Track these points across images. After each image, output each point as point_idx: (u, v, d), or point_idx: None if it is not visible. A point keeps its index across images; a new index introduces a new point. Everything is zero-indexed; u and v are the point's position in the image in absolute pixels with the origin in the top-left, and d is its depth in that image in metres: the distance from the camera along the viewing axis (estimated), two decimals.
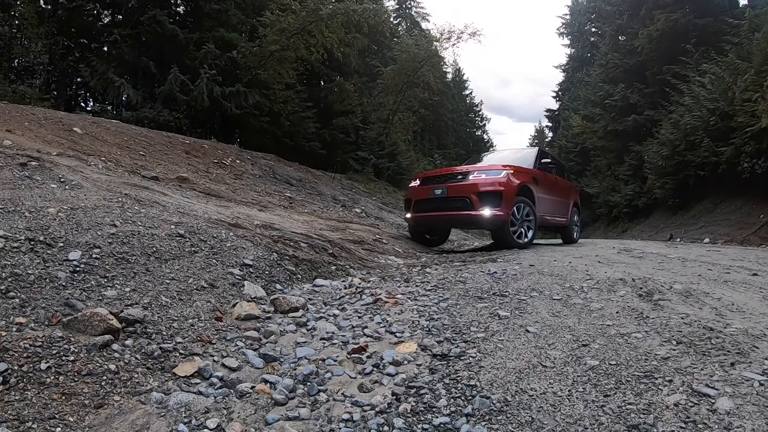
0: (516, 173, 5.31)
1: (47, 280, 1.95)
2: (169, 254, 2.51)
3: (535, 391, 1.58)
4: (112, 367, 1.60)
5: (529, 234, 5.37)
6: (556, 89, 34.06)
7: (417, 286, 3.04)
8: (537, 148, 6.87)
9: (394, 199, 12.44)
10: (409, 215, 5.85)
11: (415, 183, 5.97)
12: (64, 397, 1.42)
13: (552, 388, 1.59)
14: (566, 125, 25.54)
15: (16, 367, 1.45)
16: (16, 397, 1.36)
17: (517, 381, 1.65)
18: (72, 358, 1.56)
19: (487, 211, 4.92)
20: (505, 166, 5.40)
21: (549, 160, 6.50)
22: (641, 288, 2.73)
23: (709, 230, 10.54)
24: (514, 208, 5.13)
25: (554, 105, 34.33)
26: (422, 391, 1.64)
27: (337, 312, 2.46)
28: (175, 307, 2.09)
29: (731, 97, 10.35)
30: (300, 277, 2.99)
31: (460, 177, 5.42)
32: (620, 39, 18.86)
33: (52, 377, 1.47)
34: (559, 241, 7.47)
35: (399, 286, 3.05)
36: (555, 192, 6.42)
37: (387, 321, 2.33)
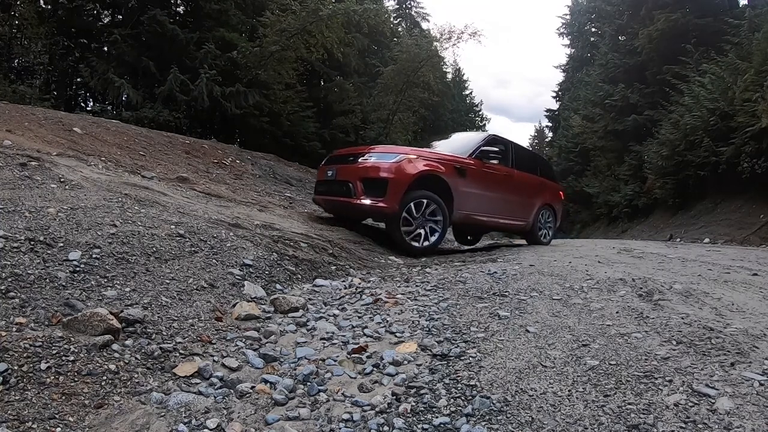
0: (420, 160, 4.45)
1: (47, 280, 1.95)
2: (169, 254, 2.51)
3: (535, 391, 1.58)
4: (112, 367, 1.60)
5: (433, 237, 4.55)
6: (556, 89, 34.06)
7: (417, 286, 3.04)
8: (487, 133, 5.69)
9: None
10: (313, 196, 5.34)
11: (324, 162, 5.33)
12: (64, 397, 1.42)
13: (552, 388, 1.59)
14: (566, 125, 25.54)
15: (16, 367, 1.45)
16: (16, 397, 1.36)
17: (517, 381, 1.65)
18: (72, 358, 1.56)
19: (367, 201, 4.25)
20: (411, 150, 4.67)
21: (496, 149, 5.24)
22: (641, 288, 2.73)
23: (709, 230, 10.54)
24: (413, 203, 4.35)
25: (554, 105, 34.33)
26: (422, 391, 1.64)
27: (337, 312, 2.46)
28: (175, 307, 2.09)
29: (731, 97, 10.34)
30: (300, 277, 2.99)
31: (351, 159, 4.67)
32: (620, 39, 18.87)
33: (52, 377, 1.47)
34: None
35: (399, 286, 3.05)
36: (502, 188, 5.39)
37: (387, 321, 2.33)
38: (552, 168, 7.66)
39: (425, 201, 4.44)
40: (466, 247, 6.87)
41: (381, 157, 4.45)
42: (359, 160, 4.53)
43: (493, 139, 5.56)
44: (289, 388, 1.65)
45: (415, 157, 4.49)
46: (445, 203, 4.60)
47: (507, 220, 5.62)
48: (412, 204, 4.37)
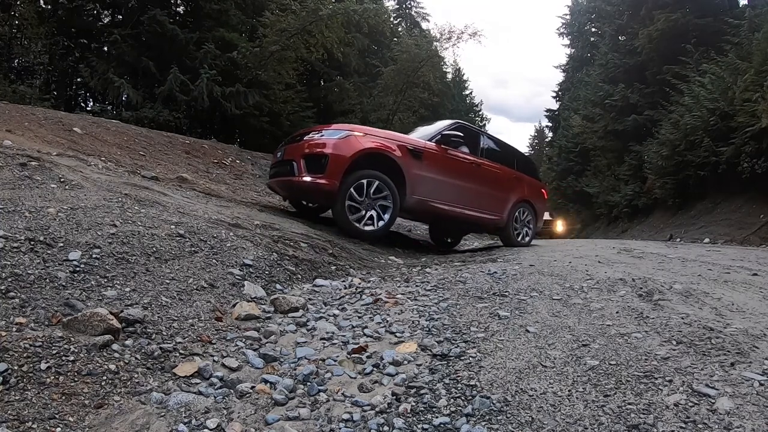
0: (366, 138, 4.30)
1: (47, 280, 1.95)
2: (169, 254, 2.51)
3: (535, 391, 1.58)
4: (112, 367, 1.59)
5: (380, 222, 4.32)
6: (556, 89, 34.05)
7: (417, 286, 3.04)
8: (455, 121, 5.56)
9: None
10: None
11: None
12: (64, 397, 1.42)
13: (552, 388, 1.59)
14: (566, 125, 25.53)
15: (16, 367, 1.45)
16: (16, 397, 1.36)
17: (517, 381, 1.65)
18: (72, 358, 1.56)
19: (307, 178, 4.08)
20: (362, 128, 4.53)
21: (461, 135, 5.00)
22: (641, 288, 2.73)
23: (709, 230, 10.54)
24: (362, 182, 4.17)
25: (554, 105, 34.29)
26: (422, 391, 1.64)
27: (337, 312, 2.46)
28: (175, 307, 2.09)
29: (731, 97, 10.35)
30: (300, 277, 2.98)
31: (298, 138, 4.54)
32: (620, 39, 18.88)
33: (52, 377, 1.47)
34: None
35: (399, 286, 3.05)
36: (469, 178, 5.11)
37: (387, 321, 2.33)
38: (533, 164, 7.21)
39: (375, 182, 4.23)
40: (466, 248, 6.86)
41: (326, 134, 4.27)
42: (305, 138, 4.39)
43: (459, 126, 5.34)
44: (289, 388, 1.65)
45: (362, 134, 4.32)
46: (398, 187, 4.36)
47: (475, 212, 5.24)
48: (361, 182, 4.17)
